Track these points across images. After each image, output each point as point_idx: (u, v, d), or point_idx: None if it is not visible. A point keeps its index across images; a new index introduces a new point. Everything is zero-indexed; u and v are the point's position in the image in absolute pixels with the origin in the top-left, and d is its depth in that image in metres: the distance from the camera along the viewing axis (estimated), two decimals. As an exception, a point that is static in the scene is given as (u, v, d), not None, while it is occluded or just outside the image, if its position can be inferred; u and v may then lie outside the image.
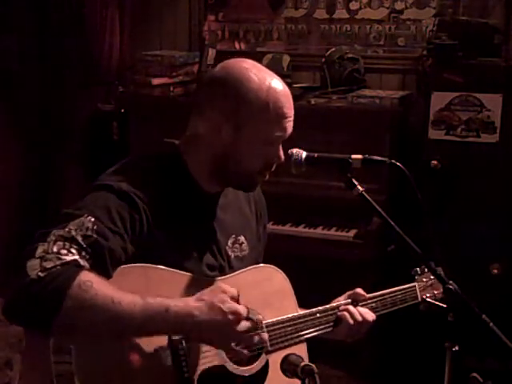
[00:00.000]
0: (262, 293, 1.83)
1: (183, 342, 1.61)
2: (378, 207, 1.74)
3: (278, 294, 1.88)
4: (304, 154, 1.82)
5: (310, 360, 1.77)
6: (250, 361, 1.76)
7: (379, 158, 1.80)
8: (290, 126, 1.75)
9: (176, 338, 1.60)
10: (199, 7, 4.17)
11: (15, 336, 3.26)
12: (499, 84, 3.18)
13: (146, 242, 1.63)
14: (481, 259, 3.17)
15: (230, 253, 1.85)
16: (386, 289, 2.07)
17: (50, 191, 4.50)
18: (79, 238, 1.50)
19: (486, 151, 3.21)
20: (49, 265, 1.44)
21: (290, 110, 1.74)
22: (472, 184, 3.22)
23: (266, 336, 1.72)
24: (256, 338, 1.66)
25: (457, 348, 1.82)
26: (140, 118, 3.80)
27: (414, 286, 2.13)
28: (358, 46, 3.86)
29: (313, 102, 3.55)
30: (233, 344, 1.62)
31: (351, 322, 1.91)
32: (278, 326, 1.81)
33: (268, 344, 1.77)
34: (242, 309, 1.59)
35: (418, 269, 2.15)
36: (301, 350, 1.82)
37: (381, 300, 2.03)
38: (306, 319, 1.87)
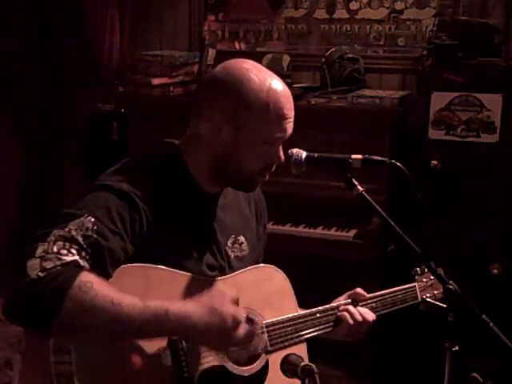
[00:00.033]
0: (261, 293, 1.83)
1: (183, 341, 1.61)
2: (378, 207, 1.74)
3: (277, 294, 1.88)
4: (304, 154, 1.82)
5: (310, 360, 1.77)
6: (249, 361, 1.77)
7: (379, 158, 1.80)
8: (290, 126, 1.75)
9: (176, 337, 1.60)
10: (199, 7, 4.17)
11: (15, 336, 3.26)
12: (499, 84, 3.18)
13: (146, 242, 1.63)
14: (481, 259, 3.17)
15: (229, 253, 1.85)
16: (385, 289, 2.07)
17: (50, 191, 4.50)
18: (79, 238, 1.50)
19: (486, 151, 3.21)
20: (49, 265, 1.44)
21: (290, 110, 1.74)
22: (472, 184, 3.22)
23: (264, 339, 1.72)
24: (254, 342, 1.66)
25: (457, 348, 1.82)
26: (140, 118, 3.80)
27: (414, 286, 2.13)
28: (357, 46, 3.86)
29: (313, 102, 3.55)
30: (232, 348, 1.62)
31: (351, 322, 1.91)
32: (277, 326, 1.81)
33: (268, 344, 1.77)
34: (241, 312, 1.59)
35: (417, 269, 2.15)
36: (301, 350, 1.82)
37: (381, 300, 2.03)
38: (305, 319, 1.87)
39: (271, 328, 1.79)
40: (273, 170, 1.79)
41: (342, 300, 1.98)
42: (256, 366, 1.77)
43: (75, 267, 1.47)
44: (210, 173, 1.77)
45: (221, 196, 1.84)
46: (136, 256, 1.61)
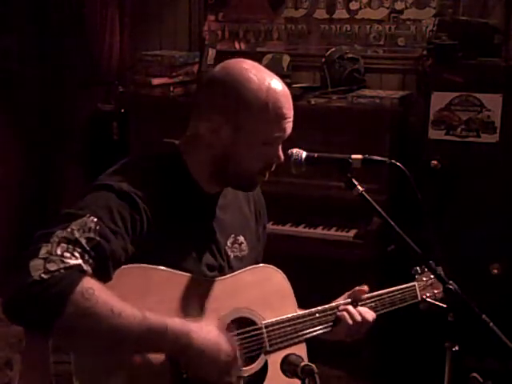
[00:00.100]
0: (261, 293, 1.83)
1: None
2: (378, 207, 1.74)
3: (277, 294, 1.88)
4: (304, 154, 1.82)
5: (310, 360, 1.76)
6: (248, 361, 1.76)
7: (379, 158, 1.80)
8: (289, 126, 1.75)
9: (171, 354, 1.60)
10: (199, 7, 4.17)
11: (15, 336, 3.26)
12: (499, 84, 3.18)
13: (146, 242, 1.63)
14: (481, 259, 3.17)
15: (229, 253, 1.85)
16: (385, 289, 2.07)
17: (50, 191, 4.50)
18: (83, 241, 1.50)
19: (486, 151, 3.21)
20: (52, 267, 1.44)
21: (289, 110, 1.74)
22: (472, 184, 3.22)
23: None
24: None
25: (457, 348, 1.82)
26: (140, 118, 3.80)
27: (414, 286, 2.12)
28: (358, 46, 3.86)
29: (313, 102, 3.55)
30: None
31: (350, 322, 1.91)
32: (277, 327, 1.81)
33: (267, 345, 1.77)
34: (234, 344, 1.63)
35: (417, 268, 2.15)
36: (300, 350, 1.82)
37: (380, 299, 2.02)
38: (305, 319, 1.87)
39: (270, 328, 1.79)
40: (272, 169, 1.79)
41: (341, 300, 1.98)
42: (255, 366, 1.77)
43: (78, 272, 1.47)
44: (210, 173, 1.77)
45: (220, 196, 1.84)
46: (136, 256, 1.61)
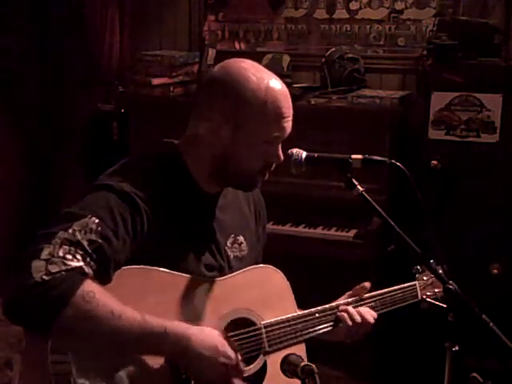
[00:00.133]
0: (260, 293, 1.83)
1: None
2: (378, 207, 1.74)
3: (276, 295, 1.88)
4: (304, 154, 1.82)
5: (310, 360, 1.76)
6: (247, 362, 1.76)
7: (379, 158, 1.80)
8: (288, 125, 1.75)
9: (170, 356, 1.60)
10: (199, 7, 4.17)
11: (15, 336, 3.26)
12: (499, 84, 3.18)
13: (146, 243, 1.63)
14: (481, 259, 3.17)
15: (229, 253, 1.85)
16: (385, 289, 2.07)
17: (50, 191, 4.50)
18: (84, 243, 1.50)
19: (486, 151, 3.21)
20: (54, 269, 1.45)
21: (288, 109, 1.74)
22: (472, 184, 3.22)
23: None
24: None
25: (457, 348, 1.82)
26: (140, 118, 3.80)
27: (415, 285, 2.12)
28: (358, 46, 3.86)
29: (313, 102, 3.55)
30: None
31: (350, 323, 1.91)
32: (276, 327, 1.80)
33: (266, 345, 1.77)
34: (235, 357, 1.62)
35: (418, 267, 2.15)
36: (300, 351, 1.82)
37: (380, 299, 2.02)
38: (304, 319, 1.86)
39: (270, 328, 1.79)
40: (272, 169, 1.79)
41: (342, 300, 1.98)
42: (254, 366, 1.77)
43: (80, 274, 1.47)
44: (210, 173, 1.77)
45: (220, 196, 1.84)
46: (136, 256, 1.61)
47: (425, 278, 2.14)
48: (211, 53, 3.89)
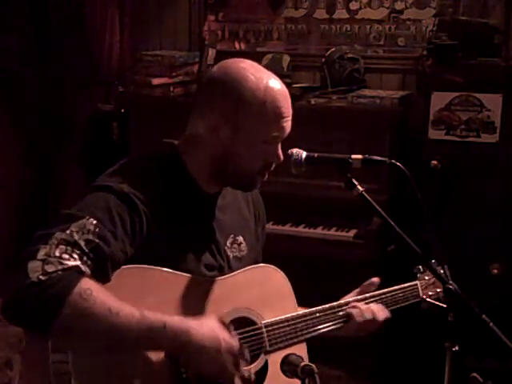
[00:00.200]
0: (261, 293, 1.83)
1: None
2: (378, 207, 1.74)
3: (277, 294, 1.88)
4: (304, 154, 1.82)
5: (310, 360, 1.77)
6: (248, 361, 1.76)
7: (379, 158, 1.80)
8: (288, 125, 1.75)
9: (170, 352, 1.60)
10: (199, 7, 4.17)
11: (15, 336, 3.25)
12: (499, 84, 3.18)
13: (145, 243, 1.63)
14: (481, 259, 3.17)
15: (228, 253, 1.85)
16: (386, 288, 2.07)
17: (50, 191, 4.50)
18: (81, 243, 1.50)
19: (486, 151, 3.21)
20: (50, 269, 1.44)
21: (287, 109, 1.74)
22: (472, 184, 3.21)
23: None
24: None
25: (457, 348, 1.82)
26: (140, 118, 3.80)
27: (416, 285, 2.12)
28: (358, 46, 3.86)
29: (313, 102, 3.55)
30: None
31: (361, 319, 1.91)
32: (276, 326, 1.80)
33: (267, 345, 1.77)
34: (235, 342, 1.61)
35: (420, 267, 2.15)
36: (300, 351, 1.82)
37: (382, 299, 2.02)
38: (305, 319, 1.86)
39: (270, 328, 1.79)
40: (272, 169, 1.79)
41: (350, 297, 1.98)
42: (255, 366, 1.77)
43: (77, 273, 1.47)
44: (210, 173, 1.77)
45: (220, 196, 1.84)
46: (135, 257, 1.61)
47: (426, 278, 2.14)
48: (211, 53, 3.89)
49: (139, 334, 1.49)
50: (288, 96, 1.75)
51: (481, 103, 3.19)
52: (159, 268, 1.64)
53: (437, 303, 2.08)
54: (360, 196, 1.75)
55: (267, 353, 1.78)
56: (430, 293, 2.13)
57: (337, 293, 2.02)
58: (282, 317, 1.82)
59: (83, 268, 1.48)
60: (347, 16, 3.89)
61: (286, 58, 3.88)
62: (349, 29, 3.89)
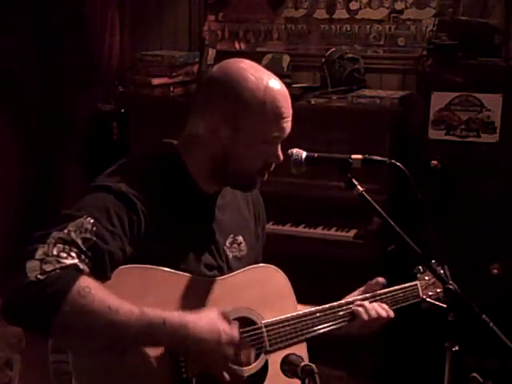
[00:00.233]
0: (261, 292, 1.83)
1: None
2: (378, 207, 1.74)
3: (277, 294, 1.88)
4: (304, 154, 1.82)
5: (310, 360, 1.76)
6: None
7: (379, 158, 1.80)
8: (288, 125, 1.75)
9: (170, 347, 1.60)
10: (199, 7, 4.17)
11: (15, 336, 3.26)
12: (499, 84, 3.18)
13: (145, 243, 1.63)
14: (481, 259, 3.17)
15: (228, 253, 1.85)
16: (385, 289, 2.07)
17: (50, 191, 4.50)
18: (79, 241, 1.50)
19: (486, 151, 3.21)
20: (48, 268, 1.44)
21: (287, 109, 1.74)
22: (472, 184, 3.21)
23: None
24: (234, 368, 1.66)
25: (457, 348, 1.82)
26: (140, 118, 3.80)
27: (416, 285, 2.12)
28: (358, 46, 3.86)
29: (313, 102, 3.55)
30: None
31: (366, 317, 1.92)
32: (276, 326, 1.80)
33: (267, 345, 1.77)
34: (235, 332, 1.61)
35: (420, 267, 2.15)
36: (300, 351, 1.82)
37: (382, 299, 2.02)
38: (305, 319, 1.86)
39: (270, 328, 1.79)
40: (271, 169, 1.79)
41: (355, 296, 1.98)
42: (255, 366, 1.77)
43: (75, 271, 1.47)
44: (209, 172, 1.77)
45: (219, 196, 1.84)
46: (134, 257, 1.61)
47: (426, 278, 2.14)
48: (211, 53, 3.89)
49: (138, 331, 1.49)
50: (288, 96, 1.75)
51: (481, 103, 3.19)
52: (159, 268, 1.64)
53: (437, 303, 2.08)
54: (360, 196, 1.75)
55: (267, 353, 1.78)
56: (430, 293, 2.13)
57: (337, 293, 2.02)
58: (282, 317, 1.82)
59: (81, 266, 1.48)
60: (347, 16, 3.89)
61: (286, 58, 3.88)
62: (349, 29, 3.89)
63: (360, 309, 1.93)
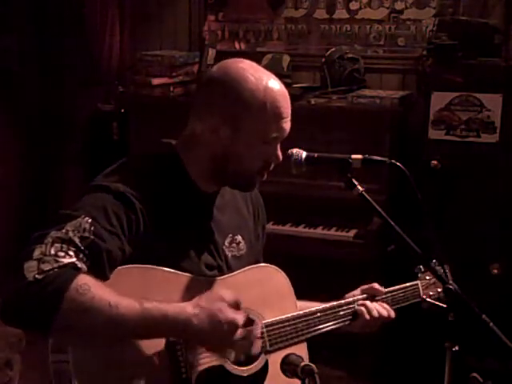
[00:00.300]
0: (261, 292, 1.83)
1: (181, 342, 1.61)
2: (378, 207, 1.74)
3: (277, 294, 1.88)
4: (304, 154, 1.82)
5: (310, 360, 1.76)
6: (249, 361, 1.76)
7: (379, 158, 1.80)
8: (287, 125, 1.75)
9: (173, 339, 1.60)
10: (199, 7, 4.17)
11: (15, 336, 3.26)
12: (499, 84, 3.18)
13: (144, 243, 1.63)
14: (481, 259, 3.17)
15: (227, 252, 1.84)
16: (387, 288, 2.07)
17: (50, 191, 4.51)
18: (77, 240, 1.50)
19: (486, 151, 3.21)
20: (46, 267, 1.44)
21: (287, 109, 1.74)
22: (472, 184, 3.22)
23: (259, 344, 1.71)
24: (250, 346, 1.66)
25: (457, 348, 1.82)
26: (140, 118, 3.80)
27: (417, 284, 2.12)
28: (358, 46, 3.86)
29: (313, 102, 3.55)
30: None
31: (368, 317, 1.93)
32: (277, 326, 1.80)
33: (267, 344, 1.77)
34: (239, 318, 1.59)
35: (421, 266, 2.15)
36: (301, 351, 1.82)
37: (383, 298, 2.02)
38: (305, 319, 1.86)
39: (270, 328, 1.79)
40: (271, 169, 1.79)
41: (353, 295, 1.98)
42: (255, 366, 1.77)
43: (73, 269, 1.47)
44: (208, 172, 1.77)
45: (218, 196, 1.84)
46: (134, 257, 1.61)
47: (427, 278, 2.14)
48: (211, 53, 3.89)
49: (139, 324, 1.48)
50: (288, 96, 1.75)
51: (481, 103, 3.19)
52: (159, 268, 1.64)
53: (437, 303, 2.08)
54: (360, 196, 1.75)
55: (267, 353, 1.78)
56: (431, 293, 2.13)
57: (337, 293, 2.02)
58: (283, 317, 1.82)
59: (79, 265, 1.48)
60: (347, 16, 3.89)
61: (286, 58, 3.88)
62: (349, 29, 3.89)
63: (362, 308, 1.94)
